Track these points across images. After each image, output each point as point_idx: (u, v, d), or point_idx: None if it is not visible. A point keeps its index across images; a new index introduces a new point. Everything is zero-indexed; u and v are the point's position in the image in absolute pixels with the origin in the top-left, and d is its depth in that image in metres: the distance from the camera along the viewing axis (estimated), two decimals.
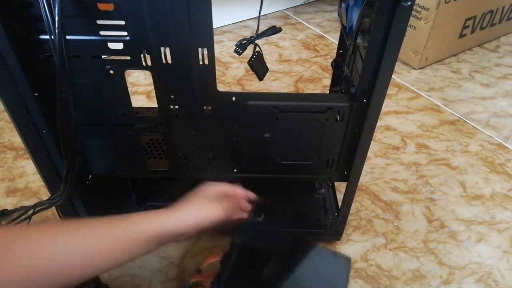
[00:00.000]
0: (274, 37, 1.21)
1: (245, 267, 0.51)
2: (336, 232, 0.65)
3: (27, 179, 0.77)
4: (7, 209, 0.69)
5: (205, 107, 0.50)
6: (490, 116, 0.98)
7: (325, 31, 1.33)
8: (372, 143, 0.53)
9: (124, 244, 0.47)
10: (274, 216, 0.66)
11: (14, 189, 0.75)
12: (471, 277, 0.63)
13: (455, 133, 0.92)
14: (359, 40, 0.49)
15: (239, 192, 0.59)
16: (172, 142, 0.54)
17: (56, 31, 0.39)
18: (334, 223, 0.64)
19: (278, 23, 1.36)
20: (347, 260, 0.53)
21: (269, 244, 0.54)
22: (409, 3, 0.39)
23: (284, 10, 1.46)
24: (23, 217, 0.64)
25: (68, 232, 0.44)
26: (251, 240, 0.53)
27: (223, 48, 1.21)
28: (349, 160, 0.55)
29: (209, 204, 0.53)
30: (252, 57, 0.48)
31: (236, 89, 1.04)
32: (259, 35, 0.46)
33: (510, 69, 1.17)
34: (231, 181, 0.61)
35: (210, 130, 0.52)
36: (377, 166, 0.83)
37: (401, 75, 1.12)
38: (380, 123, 0.90)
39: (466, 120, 0.96)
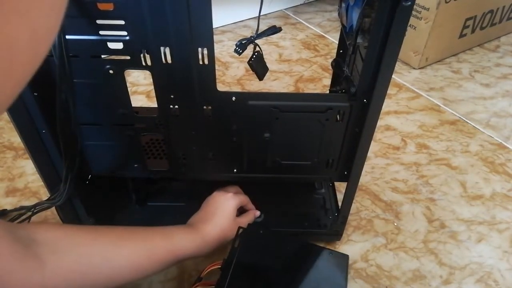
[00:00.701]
0: (274, 37, 1.22)
1: (245, 271, 0.51)
2: (336, 232, 0.65)
3: (26, 179, 0.77)
4: (6, 209, 0.69)
5: (205, 107, 0.50)
6: (490, 116, 0.98)
7: (325, 31, 1.33)
8: (372, 143, 0.53)
9: (157, 260, 0.48)
10: (274, 216, 0.66)
11: (13, 189, 0.75)
12: (471, 277, 0.63)
13: (455, 133, 0.92)
14: (359, 40, 0.49)
15: (246, 200, 0.60)
16: (172, 142, 0.54)
17: None
18: (334, 223, 0.64)
19: (278, 23, 1.36)
20: (345, 258, 0.53)
21: (269, 246, 0.54)
22: (409, 3, 0.39)
23: (284, 10, 1.46)
24: (23, 217, 0.64)
25: (110, 241, 0.45)
26: (250, 243, 0.53)
27: (223, 48, 1.21)
28: (349, 160, 0.55)
29: (231, 224, 0.56)
30: (252, 57, 0.48)
31: (236, 89, 1.04)
32: (259, 35, 0.46)
33: (510, 69, 1.17)
34: (230, 181, 0.61)
35: (210, 130, 0.52)
36: (377, 166, 0.83)
37: (401, 75, 1.12)
38: (380, 123, 0.90)
39: (466, 120, 0.96)
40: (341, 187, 0.66)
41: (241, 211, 0.62)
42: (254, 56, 0.48)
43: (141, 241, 0.47)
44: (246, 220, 0.60)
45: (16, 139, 0.85)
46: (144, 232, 0.49)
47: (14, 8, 0.16)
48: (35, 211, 0.61)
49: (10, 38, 0.16)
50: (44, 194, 0.72)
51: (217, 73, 0.57)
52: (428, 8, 1.06)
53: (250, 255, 0.52)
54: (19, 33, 0.16)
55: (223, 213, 0.56)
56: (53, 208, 0.60)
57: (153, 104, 0.50)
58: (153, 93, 0.48)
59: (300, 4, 1.49)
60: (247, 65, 0.48)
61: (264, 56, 0.49)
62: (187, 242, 0.51)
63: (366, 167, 0.80)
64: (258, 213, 0.64)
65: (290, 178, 0.59)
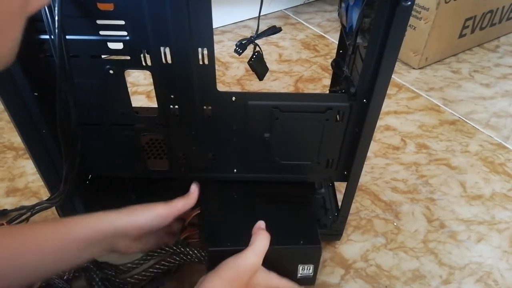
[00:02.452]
0: (274, 37, 1.22)
1: (223, 202, 0.57)
2: (336, 232, 0.65)
3: (27, 179, 0.77)
4: (7, 209, 0.69)
5: (205, 107, 0.50)
6: (490, 116, 0.98)
7: (325, 31, 1.33)
8: (372, 143, 0.53)
9: (57, 249, 0.44)
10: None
11: (14, 189, 0.75)
12: (471, 277, 0.63)
13: (455, 133, 0.92)
14: (359, 40, 0.49)
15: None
16: (172, 142, 0.54)
17: (56, 31, 0.40)
18: (334, 223, 0.64)
19: (278, 23, 1.36)
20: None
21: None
22: (409, 3, 0.39)
23: (284, 10, 1.46)
24: (23, 217, 0.64)
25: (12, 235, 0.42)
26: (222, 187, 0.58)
27: (223, 48, 1.21)
28: (349, 160, 0.55)
29: (153, 204, 0.51)
30: (252, 57, 0.48)
31: (236, 89, 1.04)
32: (259, 35, 0.46)
33: (510, 69, 1.17)
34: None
35: (210, 130, 0.52)
36: (377, 166, 0.83)
37: (401, 75, 1.12)
38: (380, 123, 0.90)
39: (466, 120, 0.96)
40: (341, 187, 0.66)
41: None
42: (254, 56, 0.48)
43: (29, 233, 0.44)
44: (181, 200, 0.53)
45: (16, 139, 0.85)
46: (37, 224, 0.47)
47: None
48: (35, 211, 0.61)
49: None
50: (44, 194, 0.72)
51: (217, 73, 0.58)
52: (428, 8, 1.06)
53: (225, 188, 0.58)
54: None
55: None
56: (53, 208, 0.60)
57: (153, 104, 0.50)
58: (153, 93, 0.48)
59: (300, 4, 1.49)
60: (247, 65, 0.48)
61: (264, 56, 0.49)
62: (93, 219, 0.47)
63: (366, 167, 0.80)
64: (193, 195, 0.56)
65: (290, 178, 0.59)
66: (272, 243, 0.50)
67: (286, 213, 0.58)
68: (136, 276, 0.55)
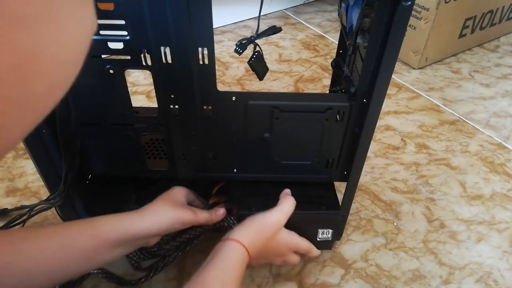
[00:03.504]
0: (274, 37, 1.22)
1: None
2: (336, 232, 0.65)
3: (26, 179, 0.77)
4: (7, 209, 0.69)
5: (205, 107, 0.50)
6: (490, 116, 0.98)
7: (325, 31, 1.33)
8: (372, 143, 0.53)
9: (85, 251, 0.44)
10: None
11: (14, 189, 0.75)
12: (471, 277, 0.63)
13: (455, 133, 0.92)
14: (359, 40, 0.49)
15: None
16: (172, 142, 0.54)
17: None
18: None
19: (278, 23, 1.36)
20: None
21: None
22: (409, 3, 0.39)
23: (284, 10, 1.46)
24: (24, 217, 0.64)
25: (31, 238, 0.42)
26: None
27: (223, 48, 1.21)
28: (349, 160, 0.55)
29: (175, 206, 0.52)
30: (252, 57, 0.48)
31: (236, 89, 1.04)
32: (259, 35, 0.46)
33: (510, 69, 1.17)
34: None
35: (210, 130, 0.52)
36: (377, 166, 0.83)
37: (401, 75, 1.12)
38: (380, 123, 0.90)
39: (466, 120, 0.96)
40: (341, 187, 0.66)
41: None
42: (254, 56, 0.48)
43: (52, 235, 0.44)
44: (206, 214, 0.55)
45: None
46: (58, 226, 0.47)
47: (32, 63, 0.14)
48: (35, 211, 0.61)
49: (27, 93, 0.15)
50: (44, 194, 0.72)
51: (217, 73, 0.58)
52: (428, 8, 1.06)
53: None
54: (37, 87, 0.15)
55: (165, 196, 0.54)
56: (54, 208, 0.60)
57: (153, 104, 0.50)
58: (153, 93, 0.48)
59: (300, 4, 1.49)
60: (247, 65, 0.48)
61: (264, 56, 0.49)
62: (116, 221, 0.48)
63: (366, 167, 0.80)
64: (219, 213, 0.56)
65: (290, 178, 0.59)
66: (296, 208, 0.55)
67: (306, 186, 0.61)
68: (171, 243, 0.57)
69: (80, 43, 0.17)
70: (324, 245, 0.62)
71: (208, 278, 0.44)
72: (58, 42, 0.15)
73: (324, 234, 0.60)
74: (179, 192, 0.55)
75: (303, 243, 0.58)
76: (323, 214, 0.59)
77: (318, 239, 0.60)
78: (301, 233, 0.58)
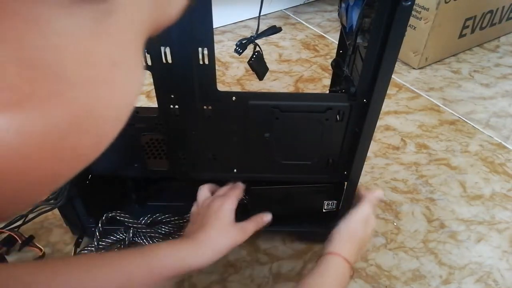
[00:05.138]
0: (274, 37, 1.22)
1: None
2: None
3: None
4: None
5: (205, 107, 0.50)
6: (490, 116, 0.98)
7: (325, 31, 1.33)
8: (372, 143, 0.53)
9: (141, 285, 0.45)
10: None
11: None
12: (471, 277, 0.63)
13: (455, 133, 0.92)
14: (359, 40, 0.49)
15: (238, 192, 0.58)
16: (172, 142, 0.54)
17: None
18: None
19: (278, 23, 1.36)
20: None
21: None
22: (409, 3, 0.39)
23: (284, 10, 1.46)
24: (24, 218, 0.64)
25: (84, 270, 0.42)
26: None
27: (223, 48, 1.21)
28: (349, 160, 0.55)
29: (230, 226, 0.51)
30: (252, 57, 0.48)
31: (236, 89, 1.04)
32: (259, 35, 0.46)
33: (510, 69, 1.18)
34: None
35: (210, 130, 0.52)
36: (377, 166, 0.83)
37: (401, 75, 1.12)
38: (380, 123, 0.90)
39: (466, 120, 0.96)
40: None
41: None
42: (254, 56, 0.48)
43: (116, 265, 0.44)
44: (249, 226, 0.54)
45: None
46: (119, 256, 0.46)
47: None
48: (35, 211, 0.61)
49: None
50: None
51: (217, 73, 0.58)
52: (428, 8, 1.06)
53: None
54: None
55: (218, 217, 0.52)
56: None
57: (153, 104, 0.50)
58: (153, 93, 0.48)
59: (300, 4, 1.49)
60: (247, 65, 0.48)
61: (264, 56, 0.49)
62: (174, 255, 0.47)
63: (366, 167, 0.80)
64: (266, 219, 0.57)
65: (290, 178, 0.59)
66: (305, 182, 0.60)
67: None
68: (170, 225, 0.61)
69: (130, 103, 0.18)
70: (330, 216, 0.63)
71: None
72: (112, 102, 0.16)
73: (329, 205, 0.62)
74: (228, 211, 0.53)
75: (373, 215, 0.58)
76: (328, 187, 0.61)
77: (324, 210, 0.63)
78: (309, 204, 0.62)
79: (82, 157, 0.17)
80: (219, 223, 0.51)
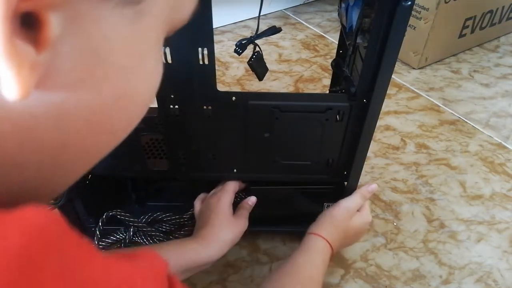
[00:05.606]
0: (274, 37, 1.21)
1: None
2: None
3: None
4: None
5: (205, 107, 0.50)
6: (490, 116, 0.98)
7: (325, 31, 1.33)
8: (372, 143, 0.53)
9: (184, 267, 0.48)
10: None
11: None
12: (471, 277, 0.63)
13: (455, 133, 0.92)
14: (359, 40, 0.49)
15: (234, 187, 0.59)
16: (172, 142, 0.54)
17: None
18: None
19: (278, 23, 1.36)
20: None
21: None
22: (409, 3, 0.39)
23: (284, 10, 1.46)
24: None
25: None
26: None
27: (223, 48, 1.21)
28: (349, 160, 0.55)
29: (230, 221, 0.54)
30: (252, 57, 0.48)
31: (236, 89, 1.04)
32: (259, 35, 0.46)
33: (510, 69, 1.17)
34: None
35: (210, 130, 0.52)
36: (377, 166, 0.83)
37: (401, 75, 1.12)
38: (380, 123, 0.90)
39: (466, 120, 0.96)
40: None
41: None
42: (254, 56, 0.48)
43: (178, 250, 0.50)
44: (244, 212, 0.58)
45: None
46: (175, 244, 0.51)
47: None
48: None
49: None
50: None
51: (217, 73, 0.58)
52: (428, 8, 1.06)
53: None
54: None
55: (217, 213, 0.55)
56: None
57: (153, 104, 0.50)
58: None
59: (300, 4, 1.49)
60: (247, 65, 0.48)
61: (264, 56, 0.49)
62: (182, 252, 0.51)
63: (366, 167, 0.80)
64: (251, 201, 0.61)
65: (290, 178, 0.59)
66: (305, 182, 0.62)
67: None
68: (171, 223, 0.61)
69: (153, 90, 0.22)
70: None
71: (298, 268, 0.49)
72: (140, 87, 0.20)
73: (329, 206, 0.63)
74: (225, 205, 0.56)
75: (368, 209, 0.60)
76: (327, 190, 0.63)
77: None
78: (309, 205, 0.63)
79: (118, 133, 0.23)
80: (219, 219, 0.54)
